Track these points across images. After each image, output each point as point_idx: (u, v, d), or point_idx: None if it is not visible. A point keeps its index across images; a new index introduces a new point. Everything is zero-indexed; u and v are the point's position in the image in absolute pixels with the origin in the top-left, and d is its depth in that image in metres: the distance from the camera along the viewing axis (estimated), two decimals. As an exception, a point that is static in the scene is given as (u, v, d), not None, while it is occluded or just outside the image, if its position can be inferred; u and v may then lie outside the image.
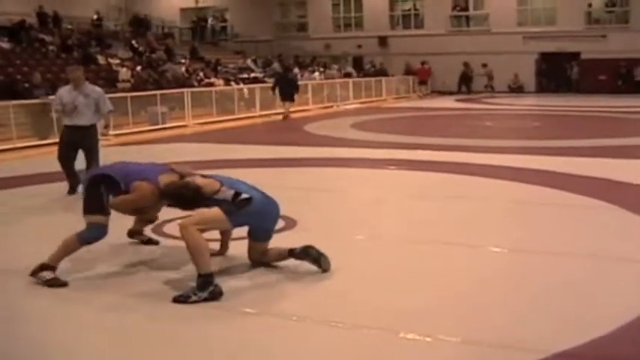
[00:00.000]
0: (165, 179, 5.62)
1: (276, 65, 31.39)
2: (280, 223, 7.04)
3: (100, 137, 9.39)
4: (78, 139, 9.10)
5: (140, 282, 5.52)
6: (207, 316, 4.75)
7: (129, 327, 4.62)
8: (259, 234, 5.77)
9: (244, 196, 5.45)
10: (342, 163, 11.92)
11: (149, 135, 17.31)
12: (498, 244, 6.51)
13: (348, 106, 27.65)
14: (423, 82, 36.85)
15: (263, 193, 5.66)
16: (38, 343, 4.37)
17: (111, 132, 10.32)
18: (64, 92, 9.16)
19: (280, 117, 22.01)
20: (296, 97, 22.75)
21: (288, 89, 22.27)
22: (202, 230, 5.28)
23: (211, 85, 24.04)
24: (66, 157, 9.14)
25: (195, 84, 23.81)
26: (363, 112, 24.64)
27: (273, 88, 22.57)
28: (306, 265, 5.74)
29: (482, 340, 4.28)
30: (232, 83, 25.47)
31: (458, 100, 31.29)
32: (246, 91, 23.89)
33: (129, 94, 18.66)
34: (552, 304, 4.93)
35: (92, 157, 9.14)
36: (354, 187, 9.94)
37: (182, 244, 5.30)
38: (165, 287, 5.32)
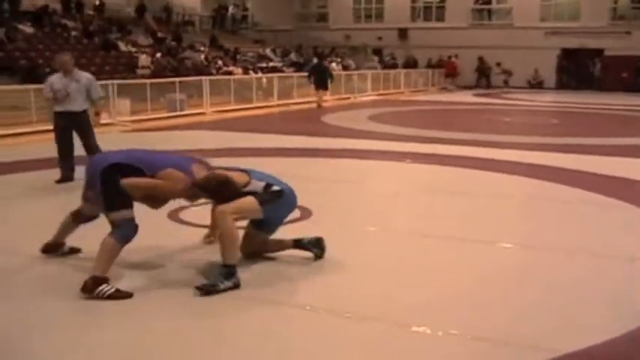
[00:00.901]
0: (197, 170, 5.38)
1: (292, 55, 31.42)
2: (296, 213, 7.15)
3: (92, 123, 9.30)
4: (72, 125, 9.12)
5: (155, 271, 5.55)
6: (225, 307, 4.79)
7: (144, 318, 4.65)
8: (272, 225, 5.73)
9: (275, 188, 5.48)
10: (359, 154, 11.94)
11: (167, 122, 17.39)
12: (510, 240, 6.54)
13: (365, 98, 27.65)
14: (449, 76, 36.87)
15: (287, 185, 5.68)
16: (59, 342, 4.35)
17: (102, 120, 10.09)
18: (56, 79, 9.12)
19: (314, 105, 22.85)
20: (330, 85, 24.11)
21: (322, 78, 23.35)
22: (236, 219, 5.27)
23: (230, 73, 24.14)
24: (65, 144, 9.14)
25: (214, 72, 23.92)
26: (381, 105, 24.62)
27: (308, 77, 23.86)
28: (309, 256, 5.83)
29: (491, 336, 4.30)
30: (251, 72, 25.55)
31: (476, 95, 31.21)
32: (264, 80, 23.96)
33: (148, 81, 18.79)
34: (563, 303, 4.93)
35: (89, 139, 9.17)
36: (370, 179, 9.98)
37: (197, 230, 5.35)
38: (181, 277, 5.37)
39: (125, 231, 5.09)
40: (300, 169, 10.39)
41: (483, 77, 37.27)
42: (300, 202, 7.44)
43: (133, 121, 16.83)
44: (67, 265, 5.62)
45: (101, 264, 5.01)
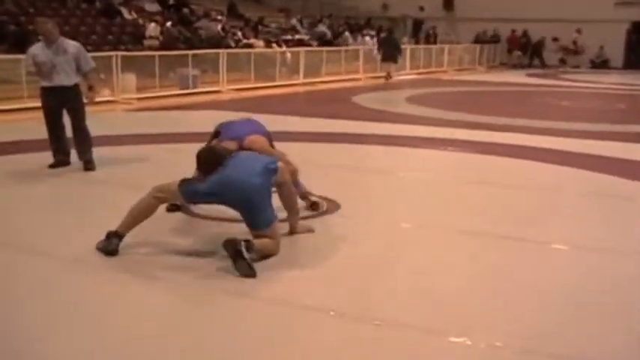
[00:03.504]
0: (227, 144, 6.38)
1: (321, 27, 31.36)
2: (323, 206, 7.23)
3: (85, 100, 9.24)
4: (62, 102, 9.02)
5: (164, 264, 5.63)
6: (240, 308, 4.84)
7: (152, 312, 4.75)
8: (246, 220, 5.83)
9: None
10: (394, 141, 11.94)
11: (178, 100, 17.49)
12: (565, 241, 6.49)
13: (403, 77, 27.59)
14: (512, 51, 36.79)
15: (240, 167, 5.73)
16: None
17: (97, 98, 10.07)
18: (38, 50, 8.97)
19: (382, 79, 25.29)
20: (399, 58, 26.67)
21: (390, 51, 25.77)
22: (160, 198, 5.80)
23: (250, 46, 24.14)
24: (55, 125, 9.08)
25: (233, 45, 23.93)
26: (421, 85, 24.56)
27: (378, 49, 26.78)
28: (341, 256, 5.88)
29: (540, 350, 4.28)
30: (274, 45, 25.54)
31: (530, 75, 31.02)
32: (289, 55, 23.96)
33: (156, 53, 18.87)
34: (623, 315, 4.90)
35: (79, 120, 9.08)
36: (406, 168, 9.95)
37: (208, 223, 5.43)
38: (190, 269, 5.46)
39: None
40: (327, 155, 10.42)
41: (535, 55, 36.89)
42: (326, 193, 7.55)
43: (139, 99, 16.93)
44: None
45: None
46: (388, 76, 25.65)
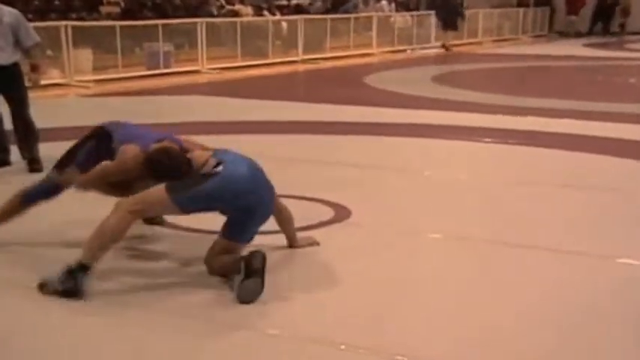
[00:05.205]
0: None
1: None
2: (330, 213, 7.18)
3: (27, 84, 9.16)
4: None
5: (141, 283, 5.63)
6: (226, 338, 4.84)
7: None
8: (235, 229, 5.66)
9: (216, 169, 5.44)
10: (418, 131, 11.94)
11: (145, 82, 17.53)
12: (632, 253, 6.46)
13: (427, 51, 27.59)
14: (573, 13, 36.76)
15: (249, 168, 5.60)
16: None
17: (43, 81, 9.90)
18: None
19: (442, 49, 27.08)
20: (461, 24, 28.50)
21: (450, 17, 27.10)
22: (138, 212, 5.45)
23: (236, 14, 24.13)
24: None
25: (214, 12, 23.92)
26: (449, 60, 24.58)
27: (436, 16, 28.61)
28: (353, 276, 5.85)
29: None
30: (266, 13, 25.53)
31: (588, 46, 30.98)
32: (284, 24, 23.94)
33: (118, 24, 18.86)
34: None
35: (20, 107, 9.02)
36: (433, 165, 9.93)
37: (187, 234, 5.39)
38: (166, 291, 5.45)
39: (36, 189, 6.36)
40: (333, 150, 10.40)
41: (600, 19, 36.65)
42: (333, 197, 7.52)
43: (97, 82, 16.91)
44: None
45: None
46: (447, 47, 26.90)
